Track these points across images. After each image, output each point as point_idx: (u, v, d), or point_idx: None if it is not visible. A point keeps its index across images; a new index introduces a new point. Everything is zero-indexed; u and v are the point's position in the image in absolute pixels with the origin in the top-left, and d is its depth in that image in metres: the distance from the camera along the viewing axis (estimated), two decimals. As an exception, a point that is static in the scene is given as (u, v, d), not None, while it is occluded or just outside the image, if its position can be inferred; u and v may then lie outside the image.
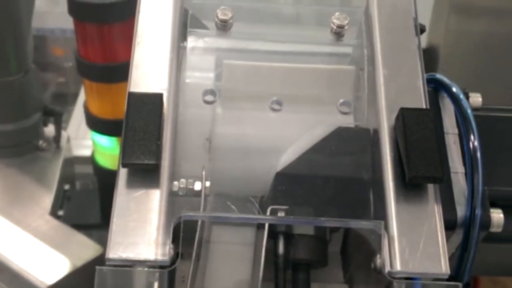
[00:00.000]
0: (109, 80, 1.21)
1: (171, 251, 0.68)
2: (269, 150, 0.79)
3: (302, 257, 0.77)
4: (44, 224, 1.23)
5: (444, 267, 0.68)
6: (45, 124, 1.38)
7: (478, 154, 0.81)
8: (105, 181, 1.32)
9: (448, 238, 0.77)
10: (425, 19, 1.87)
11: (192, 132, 0.78)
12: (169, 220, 0.68)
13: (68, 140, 1.41)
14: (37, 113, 1.34)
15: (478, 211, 0.78)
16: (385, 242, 0.69)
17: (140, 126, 0.70)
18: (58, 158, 1.36)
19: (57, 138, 1.36)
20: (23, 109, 1.32)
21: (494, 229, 0.79)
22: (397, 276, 0.68)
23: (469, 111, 0.83)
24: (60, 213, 1.29)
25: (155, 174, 0.70)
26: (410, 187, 0.71)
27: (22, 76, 1.29)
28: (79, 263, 1.15)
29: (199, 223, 0.72)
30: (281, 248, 0.76)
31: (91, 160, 1.35)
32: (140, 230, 0.67)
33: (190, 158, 0.77)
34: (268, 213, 0.75)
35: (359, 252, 0.79)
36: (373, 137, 0.77)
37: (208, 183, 0.74)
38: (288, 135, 0.80)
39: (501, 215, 0.80)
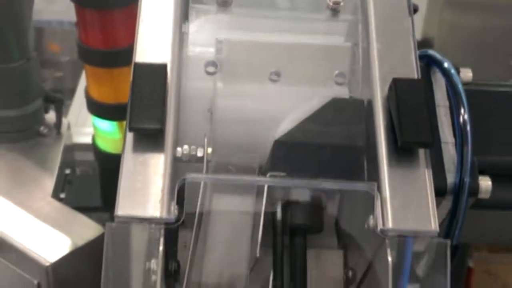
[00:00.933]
0: (110, 65, 1.25)
1: (176, 211, 0.73)
2: (268, 121, 0.84)
3: (299, 222, 0.82)
4: (46, 206, 1.27)
5: (433, 226, 0.73)
6: (46, 111, 1.42)
7: (468, 128, 0.86)
8: (106, 165, 1.37)
9: (438, 204, 0.82)
10: (419, 12, 1.92)
11: (194, 103, 0.83)
12: (174, 181, 0.73)
13: (69, 127, 1.45)
14: (38, 100, 1.38)
15: (466, 179, 0.83)
16: (377, 203, 0.74)
17: (146, 94, 0.75)
18: (59, 144, 1.39)
19: (58, 124, 1.40)
20: (25, 95, 1.36)
21: (482, 195, 0.84)
22: (389, 233, 0.73)
23: (460, 85, 0.88)
24: (62, 195, 1.33)
25: (160, 139, 0.75)
26: (402, 152, 0.76)
27: (24, 63, 1.33)
28: (81, 242, 1.19)
29: (201, 186, 0.77)
30: (279, 214, 0.81)
31: (92, 144, 1.39)
32: (146, 190, 0.73)
33: (192, 127, 0.82)
34: (266, 188, 0.80)
35: (353, 221, 0.84)
36: (367, 108, 0.82)
37: (210, 150, 0.79)
38: (286, 107, 0.85)
39: (489, 183, 0.85)
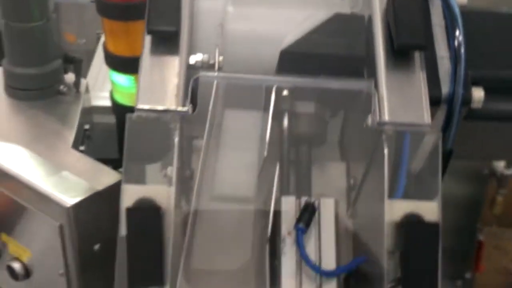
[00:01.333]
0: (125, 19, 1.34)
1: (190, 108, 0.82)
2: (274, 39, 0.93)
3: (304, 131, 0.91)
4: (67, 156, 1.35)
5: (426, 119, 0.82)
6: (65, 72, 1.51)
7: (462, 49, 0.95)
8: (123, 118, 1.44)
9: (434, 113, 0.90)
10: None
11: (206, 18, 0.92)
12: (188, 80, 0.82)
13: (87, 89, 1.54)
14: (57, 60, 1.47)
15: (460, 89, 0.91)
16: (375, 100, 0.83)
17: (162, 3, 0.84)
18: (78, 102, 1.48)
19: (76, 83, 1.48)
20: (45, 54, 1.45)
21: (475, 105, 0.92)
22: (386, 126, 0.82)
23: (456, 8, 0.96)
24: (81, 148, 1.42)
25: (175, 43, 0.84)
26: (398, 55, 0.85)
27: (44, 23, 1.42)
28: (100, 187, 1.26)
29: (214, 86, 0.85)
30: (285, 124, 0.90)
31: (110, 98, 1.48)
32: (163, 87, 0.82)
33: (204, 40, 0.91)
34: (273, 90, 0.89)
35: (355, 133, 0.93)
36: (367, 24, 0.90)
37: (221, 58, 0.87)
38: (291, 27, 0.93)
39: (482, 93, 0.93)
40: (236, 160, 0.92)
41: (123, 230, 0.81)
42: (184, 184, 0.89)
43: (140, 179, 0.79)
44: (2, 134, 1.38)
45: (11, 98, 1.47)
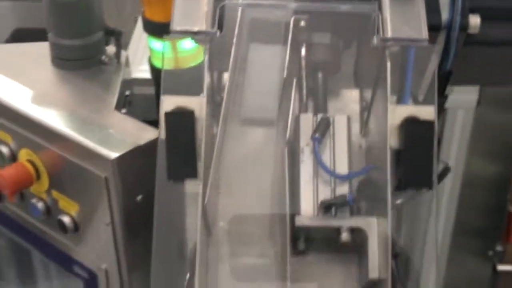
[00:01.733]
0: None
1: (217, 32, 0.98)
2: None
3: (320, 59, 1.06)
4: (110, 117, 1.49)
5: (424, 35, 0.96)
6: (107, 43, 1.68)
7: None
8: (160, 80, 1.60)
9: (434, 39, 1.05)
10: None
11: None
12: (216, 8, 0.98)
13: (127, 61, 1.70)
14: (99, 32, 1.64)
15: (458, 16, 1.06)
16: (379, 21, 0.98)
17: None
18: (119, 71, 1.63)
19: (117, 54, 1.64)
20: (88, 26, 1.61)
21: (472, 30, 1.06)
22: (388, 43, 0.96)
23: None
24: (123, 111, 1.58)
25: None
26: None
27: (86, -4, 1.59)
28: (142, 142, 1.41)
29: (239, 13, 1.00)
30: (303, 52, 1.05)
31: (148, 63, 1.64)
32: (194, 14, 0.97)
33: None
34: (292, 21, 1.04)
35: (367, 62, 1.07)
36: None
37: None
38: None
39: (478, 20, 1.07)
40: (260, 87, 1.07)
41: (162, 134, 0.97)
42: (215, 109, 1.04)
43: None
44: (51, 101, 1.53)
45: (58, 68, 1.63)
